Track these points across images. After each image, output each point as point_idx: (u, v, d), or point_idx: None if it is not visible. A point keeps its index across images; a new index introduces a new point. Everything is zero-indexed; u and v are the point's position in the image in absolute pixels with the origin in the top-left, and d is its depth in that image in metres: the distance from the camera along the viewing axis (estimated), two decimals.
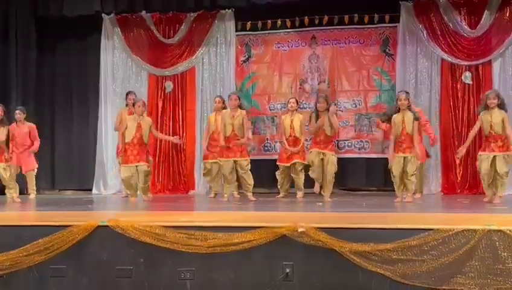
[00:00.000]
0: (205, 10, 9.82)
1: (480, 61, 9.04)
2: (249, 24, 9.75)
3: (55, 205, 7.20)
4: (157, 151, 9.79)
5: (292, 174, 8.31)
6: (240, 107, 7.76)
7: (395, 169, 6.91)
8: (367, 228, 4.13)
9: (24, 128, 8.49)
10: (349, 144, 9.48)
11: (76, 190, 10.22)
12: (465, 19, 9.12)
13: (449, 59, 9.14)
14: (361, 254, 3.98)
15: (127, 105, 8.80)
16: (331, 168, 7.45)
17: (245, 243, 4.10)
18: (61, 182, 10.44)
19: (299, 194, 8.17)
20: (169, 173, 9.92)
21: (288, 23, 9.58)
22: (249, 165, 7.69)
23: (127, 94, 8.88)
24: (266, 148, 9.73)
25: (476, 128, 7.06)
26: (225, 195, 7.76)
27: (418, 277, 3.92)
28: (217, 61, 9.94)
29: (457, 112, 9.13)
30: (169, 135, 9.38)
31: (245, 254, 4.12)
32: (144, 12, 9.91)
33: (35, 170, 8.57)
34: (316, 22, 9.46)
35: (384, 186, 8.89)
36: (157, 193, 9.42)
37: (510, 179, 7.01)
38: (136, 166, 7.43)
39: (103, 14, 9.97)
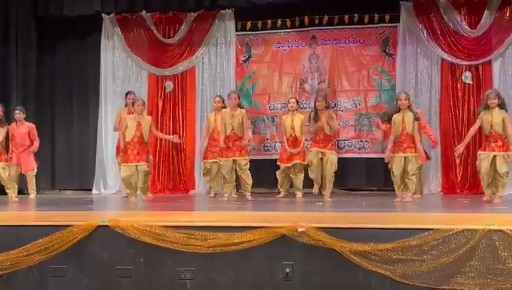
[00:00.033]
0: (205, 10, 9.82)
1: (480, 61, 9.04)
2: (249, 24, 9.75)
3: (55, 205, 7.19)
4: (158, 151, 9.80)
5: (291, 175, 8.33)
6: (240, 106, 7.76)
7: (396, 169, 6.91)
8: (367, 227, 4.13)
9: (23, 128, 8.48)
10: (349, 143, 9.48)
11: (77, 190, 10.23)
12: (465, 19, 9.13)
13: (449, 59, 9.14)
14: (361, 254, 3.97)
15: (126, 105, 8.81)
16: (331, 167, 7.44)
17: (245, 243, 4.10)
18: (61, 182, 10.44)
19: (299, 194, 8.18)
20: (170, 173, 9.93)
21: (288, 23, 9.58)
22: (248, 164, 7.70)
23: (126, 94, 8.90)
24: (266, 148, 9.73)
25: (475, 126, 7.06)
26: (225, 194, 7.77)
27: (418, 277, 3.92)
28: (217, 61, 9.95)
29: (457, 111, 9.14)
30: (169, 134, 9.38)
31: (245, 254, 4.11)
32: (144, 12, 9.91)
33: (35, 170, 8.55)
34: (316, 21, 9.47)
35: (384, 186, 8.89)
36: (157, 193, 9.43)
37: (510, 178, 7.01)
38: (136, 166, 7.45)
39: (103, 14, 9.98)
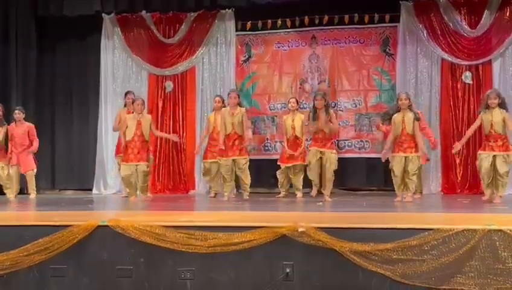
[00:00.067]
0: (205, 10, 9.82)
1: (481, 61, 9.04)
2: (249, 24, 9.75)
3: (55, 204, 7.19)
4: (158, 151, 9.79)
5: (290, 175, 8.34)
6: (240, 105, 7.76)
7: (397, 169, 6.92)
8: (367, 227, 4.13)
9: (23, 128, 8.48)
10: (349, 143, 9.48)
11: (77, 190, 10.23)
12: (465, 19, 9.13)
13: (449, 59, 9.14)
14: (361, 254, 3.97)
15: (125, 105, 8.82)
16: (330, 166, 7.45)
17: (245, 243, 4.10)
18: (61, 181, 10.44)
19: (299, 194, 8.18)
20: (170, 173, 9.93)
21: (289, 23, 9.58)
22: (247, 163, 7.68)
23: (126, 94, 8.92)
24: (266, 148, 9.73)
25: (475, 125, 7.08)
26: (225, 194, 7.76)
27: (418, 277, 3.92)
28: (217, 61, 9.94)
29: (457, 111, 9.13)
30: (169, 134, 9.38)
31: (245, 254, 4.12)
32: (144, 12, 9.91)
33: (35, 170, 8.54)
34: (316, 21, 9.46)
35: (384, 186, 8.89)
36: (157, 193, 9.44)
37: (510, 178, 7.01)
38: (136, 165, 7.46)
39: (103, 14, 9.97)
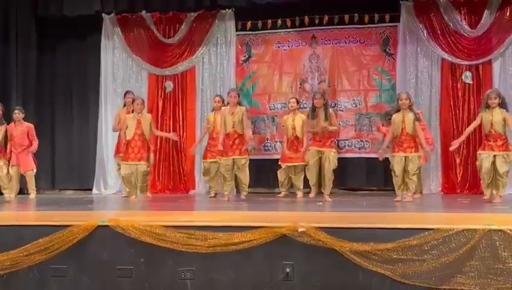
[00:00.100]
0: (205, 10, 9.82)
1: (481, 60, 9.04)
2: (249, 24, 9.75)
3: (55, 204, 7.19)
4: (158, 151, 9.78)
5: (290, 175, 8.34)
6: (240, 104, 7.76)
7: (397, 168, 6.92)
8: (367, 227, 4.13)
9: (22, 128, 8.48)
10: (350, 143, 9.48)
11: (77, 190, 10.23)
12: (465, 19, 9.13)
13: (449, 59, 9.14)
14: (361, 254, 3.97)
15: (125, 105, 8.82)
16: (330, 165, 7.45)
17: (245, 242, 4.10)
18: (61, 181, 10.44)
19: (299, 194, 8.18)
20: (170, 173, 9.93)
21: (289, 23, 9.58)
22: (247, 163, 7.66)
23: (125, 93, 8.93)
24: (266, 148, 9.73)
25: (474, 124, 7.07)
26: (225, 193, 7.75)
27: (418, 277, 3.92)
28: (217, 61, 9.94)
29: (457, 111, 9.13)
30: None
31: (245, 254, 4.11)
32: (144, 12, 9.91)
33: (34, 170, 8.54)
34: (316, 21, 9.46)
35: (384, 186, 8.90)
36: (157, 193, 9.44)
37: (510, 178, 7.01)
38: (136, 165, 7.47)
39: (103, 14, 9.97)
